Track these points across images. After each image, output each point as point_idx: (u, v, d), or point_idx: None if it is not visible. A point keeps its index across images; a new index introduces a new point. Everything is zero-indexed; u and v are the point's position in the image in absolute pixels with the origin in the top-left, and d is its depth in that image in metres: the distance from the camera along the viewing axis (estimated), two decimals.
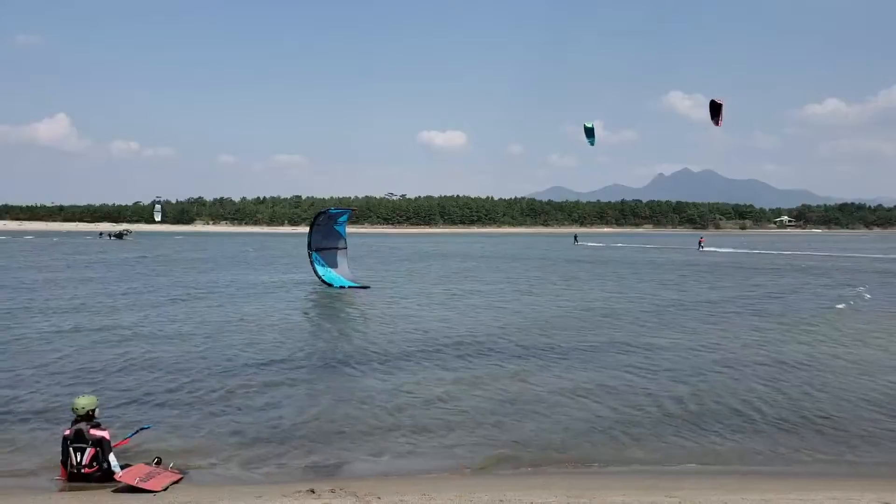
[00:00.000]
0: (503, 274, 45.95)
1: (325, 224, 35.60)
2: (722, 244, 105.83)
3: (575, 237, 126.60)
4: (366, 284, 35.23)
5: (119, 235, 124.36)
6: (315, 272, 35.09)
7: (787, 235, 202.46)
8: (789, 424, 11.69)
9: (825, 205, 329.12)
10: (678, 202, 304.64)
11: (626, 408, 12.65)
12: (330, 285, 34.18)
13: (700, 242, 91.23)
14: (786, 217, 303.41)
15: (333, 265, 35.83)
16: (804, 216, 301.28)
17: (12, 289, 32.44)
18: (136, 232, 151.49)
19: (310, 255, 35.45)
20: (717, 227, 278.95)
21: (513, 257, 70.88)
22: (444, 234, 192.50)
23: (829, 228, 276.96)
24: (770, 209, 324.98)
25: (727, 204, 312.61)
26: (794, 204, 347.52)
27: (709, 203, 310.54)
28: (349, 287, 34.11)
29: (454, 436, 11.12)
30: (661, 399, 13.22)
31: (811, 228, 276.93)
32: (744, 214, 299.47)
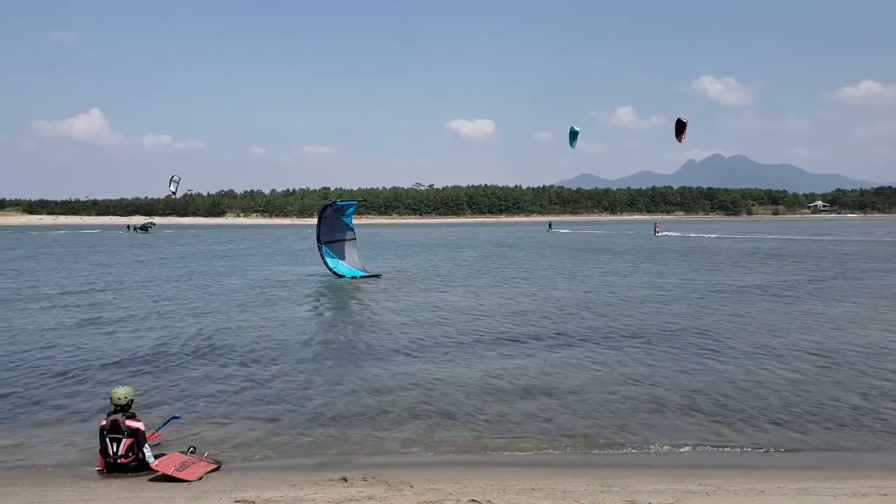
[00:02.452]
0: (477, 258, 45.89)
1: (332, 217, 35.73)
2: (714, 230, 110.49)
3: (549, 225, 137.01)
4: (377, 273, 35.57)
5: (144, 228, 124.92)
6: (326, 265, 35.24)
7: (820, 221, 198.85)
8: (825, 414, 11.51)
9: (860, 189, 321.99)
10: (709, 188, 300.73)
11: (659, 395, 12.54)
12: (341, 276, 34.37)
13: (655, 228, 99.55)
14: (820, 202, 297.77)
15: (343, 256, 36.08)
16: (839, 201, 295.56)
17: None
18: (173, 226, 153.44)
19: (319, 249, 35.61)
20: (750, 213, 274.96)
21: (485, 242, 73.65)
22: (472, 224, 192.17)
23: (865, 213, 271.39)
24: (803, 194, 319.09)
25: (759, 189, 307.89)
26: (828, 189, 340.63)
27: (741, 189, 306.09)
28: (361, 276, 34.40)
29: (486, 424, 11.11)
30: (695, 387, 13.07)
31: (846, 213, 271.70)
32: (776, 200, 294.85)
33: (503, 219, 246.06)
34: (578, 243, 73.74)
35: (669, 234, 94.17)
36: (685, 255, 51.64)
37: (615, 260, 47.47)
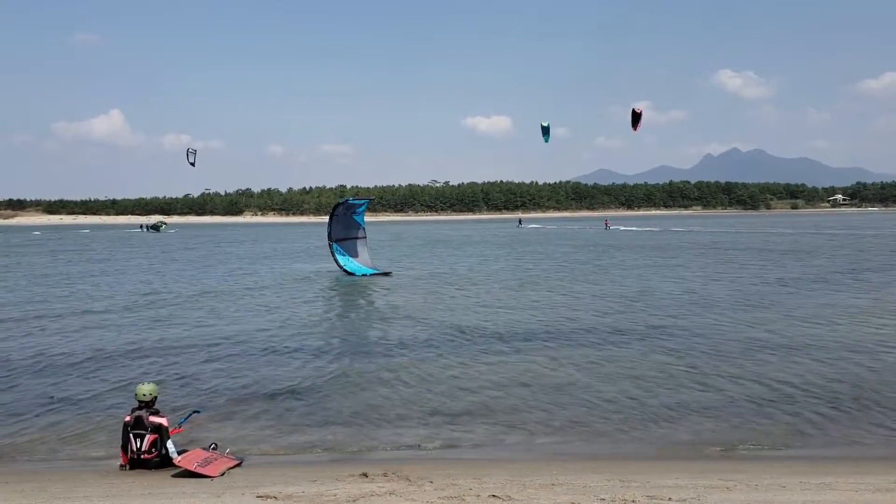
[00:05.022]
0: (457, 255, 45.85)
1: (343, 215, 35.83)
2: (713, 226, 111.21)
3: (519, 221, 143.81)
4: (387, 271, 35.67)
5: (156, 228, 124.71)
6: (337, 262, 35.39)
7: (839, 215, 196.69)
8: (848, 408, 11.42)
9: (882, 182, 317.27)
10: (727, 182, 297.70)
11: (678, 390, 12.50)
12: (352, 274, 34.46)
13: (606, 224, 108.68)
14: (840, 196, 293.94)
15: (354, 254, 36.22)
16: (859, 194, 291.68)
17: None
18: (191, 225, 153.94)
19: (330, 247, 35.77)
20: (769, 207, 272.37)
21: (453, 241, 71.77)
22: (486, 221, 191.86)
23: (886, 206, 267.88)
24: (823, 188, 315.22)
25: (778, 184, 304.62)
26: (849, 182, 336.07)
27: (759, 183, 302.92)
28: (371, 274, 34.44)
29: (505, 420, 11.13)
30: (716, 382, 13.03)
31: (867, 207, 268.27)
32: (795, 194, 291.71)
33: (519, 215, 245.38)
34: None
35: (621, 228, 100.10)
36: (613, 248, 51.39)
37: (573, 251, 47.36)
